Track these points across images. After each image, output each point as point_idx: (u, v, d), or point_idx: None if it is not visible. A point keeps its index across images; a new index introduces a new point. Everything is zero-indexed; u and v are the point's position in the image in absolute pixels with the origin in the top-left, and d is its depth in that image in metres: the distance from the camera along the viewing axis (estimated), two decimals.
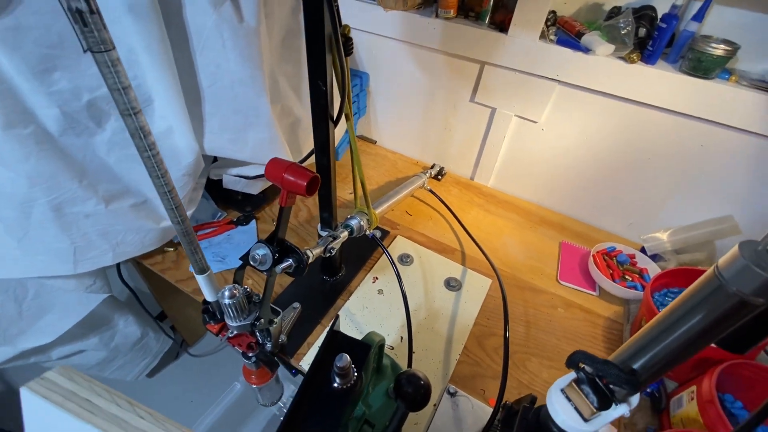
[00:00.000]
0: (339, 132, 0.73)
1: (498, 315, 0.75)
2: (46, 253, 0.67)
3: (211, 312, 0.56)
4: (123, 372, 1.12)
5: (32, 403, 0.19)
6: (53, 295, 0.81)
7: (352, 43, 0.49)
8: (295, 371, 0.67)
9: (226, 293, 0.50)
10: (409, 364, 0.63)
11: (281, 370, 0.64)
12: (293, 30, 0.81)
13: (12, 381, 1.33)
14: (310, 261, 0.56)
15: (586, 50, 0.76)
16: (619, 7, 0.76)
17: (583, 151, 0.90)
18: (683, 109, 0.74)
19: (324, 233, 0.69)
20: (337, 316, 0.50)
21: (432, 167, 1.08)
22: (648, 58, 0.74)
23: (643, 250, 0.87)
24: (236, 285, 0.52)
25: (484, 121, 0.99)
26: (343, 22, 0.89)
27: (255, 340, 0.58)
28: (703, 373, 0.59)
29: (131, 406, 0.19)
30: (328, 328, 0.49)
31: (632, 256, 0.85)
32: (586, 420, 0.28)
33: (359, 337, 0.67)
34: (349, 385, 0.45)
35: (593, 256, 0.84)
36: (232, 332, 0.56)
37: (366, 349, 0.49)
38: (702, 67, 0.69)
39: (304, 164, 0.85)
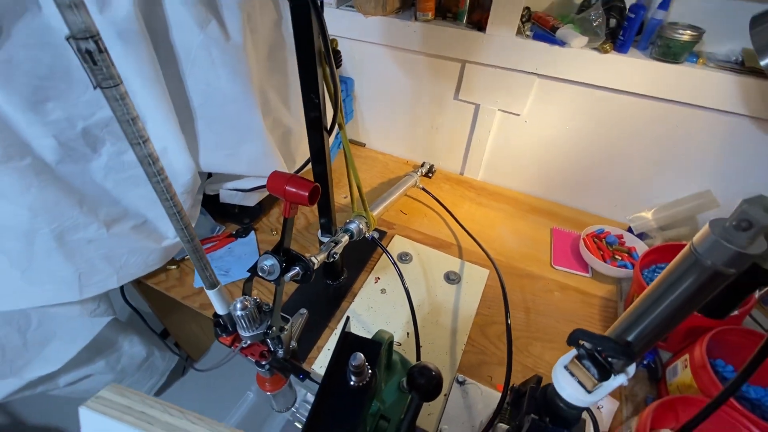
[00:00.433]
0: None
1: (498, 303, 0.78)
2: (51, 281, 0.68)
3: (223, 325, 0.58)
4: None
5: (92, 421, 0.20)
6: (57, 322, 0.82)
7: (341, 56, 0.51)
8: (302, 375, 0.69)
9: (238, 305, 0.52)
10: (418, 358, 0.66)
11: (291, 376, 0.66)
12: (277, 43, 0.83)
13: (16, 412, 1.32)
14: (315, 267, 0.58)
15: (562, 43, 0.79)
16: (590, 0, 0.79)
17: (566, 140, 0.94)
18: (657, 93, 0.78)
19: (325, 239, 0.71)
20: (348, 318, 0.52)
21: (422, 166, 1.10)
22: (620, 47, 0.77)
23: (630, 230, 0.91)
24: (247, 296, 0.53)
25: (469, 117, 1.02)
26: (328, 33, 0.90)
27: (267, 348, 0.60)
28: (694, 342, 0.63)
29: (182, 414, 0.21)
30: (340, 330, 0.51)
31: (620, 237, 0.89)
32: (589, 392, 0.31)
33: (368, 336, 0.70)
34: (364, 382, 0.47)
35: (584, 239, 0.87)
36: (245, 343, 0.57)
37: (377, 347, 0.51)
38: (671, 52, 0.73)
39: (300, 173, 0.88)
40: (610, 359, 0.31)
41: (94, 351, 0.95)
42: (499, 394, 0.64)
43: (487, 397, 0.64)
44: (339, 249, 0.65)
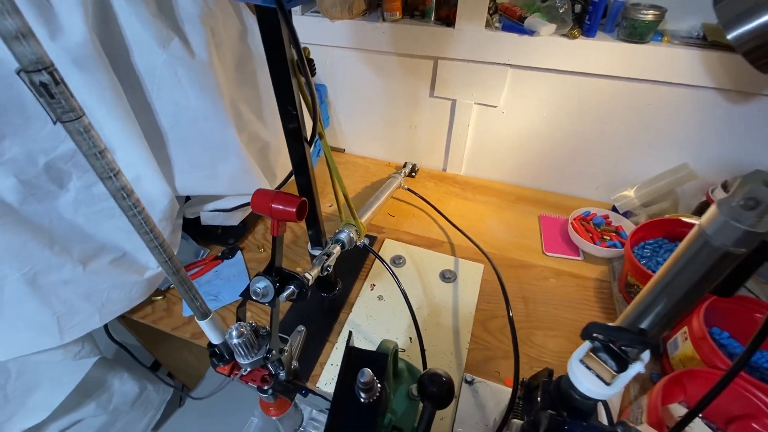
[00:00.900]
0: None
1: (496, 297, 0.78)
2: (27, 329, 0.64)
3: (219, 354, 0.55)
4: None
5: None
6: (39, 370, 0.77)
7: (314, 64, 0.50)
8: (305, 391, 0.67)
9: (234, 333, 0.50)
10: (424, 363, 0.65)
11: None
12: (245, 55, 0.80)
13: None
14: (310, 283, 0.56)
15: (531, 32, 0.80)
16: None
17: (544, 127, 0.95)
18: (627, 73, 0.79)
19: (316, 252, 0.69)
20: (350, 333, 0.50)
21: (404, 166, 1.09)
22: (587, 32, 0.78)
23: (614, 209, 0.93)
24: (241, 323, 0.51)
25: (447, 113, 1.02)
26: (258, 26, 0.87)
27: (268, 372, 0.58)
28: (690, 314, 0.64)
29: None
30: (344, 347, 0.50)
31: (606, 217, 0.90)
32: (608, 384, 0.31)
33: (372, 347, 0.68)
34: (375, 397, 0.45)
35: (571, 223, 0.88)
36: (245, 370, 0.55)
37: (383, 359, 0.50)
38: (637, 33, 0.74)
39: (283, 187, 0.85)
40: (624, 349, 0.30)
41: (83, 394, 0.90)
42: (509, 389, 0.64)
43: (497, 394, 0.63)
44: (332, 261, 0.63)
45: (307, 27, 0.96)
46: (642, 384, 0.64)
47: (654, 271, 0.69)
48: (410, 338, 0.71)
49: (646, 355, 0.31)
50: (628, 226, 0.87)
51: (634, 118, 0.85)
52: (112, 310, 0.70)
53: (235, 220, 0.85)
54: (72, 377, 0.80)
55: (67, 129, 0.30)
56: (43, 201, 0.60)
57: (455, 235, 0.91)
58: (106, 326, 0.80)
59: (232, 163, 0.72)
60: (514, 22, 0.82)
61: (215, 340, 0.54)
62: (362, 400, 0.45)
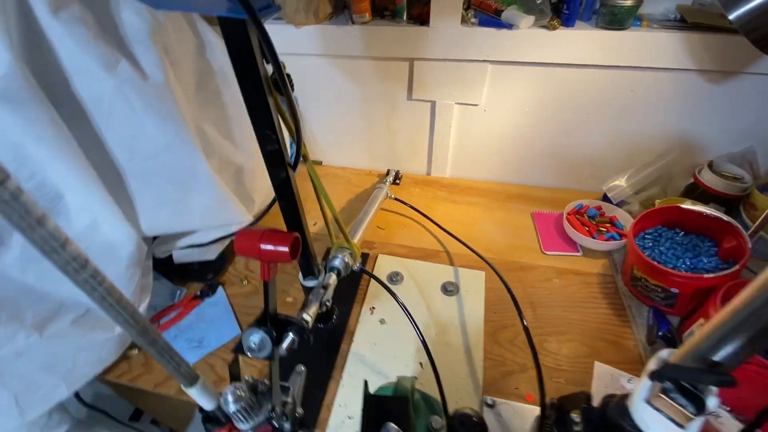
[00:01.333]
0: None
1: (503, 306, 0.74)
2: None
3: (214, 418, 0.48)
4: None
5: None
6: None
7: (292, 79, 0.44)
8: None
9: (230, 398, 0.43)
10: (440, 391, 0.60)
11: None
12: (205, 72, 0.73)
13: None
14: (311, 326, 0.50)
15: (509, 26, 0.76)
16: None
17: (527, 121, 0.92)
18: (608, 61, 0.77)
19: (310, 284, 0.63)
20: (366, 383, 0.45)
21: (387, 174, 1.04)
22: (566, 21, 0.76)
23: (605, 197, 0.91)
24: (237, 384, 0.44)
25: (427, 115, 0.97)
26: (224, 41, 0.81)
27: (272, 427, 0.51)
28: (703, 303, 0.62)
29: None
30: (363, 397, 0.44)
31: (599, 208, 0.89)
32: (683, 427, 0.27)
33: (382, 380, 0.62)
34: None
35: (567, 218, 0.86)
36: None
37: (404, 403, 0.45)
38: (617, 19, 0.72)
39: (267, 214, 0.78)
40: (696, 386, 0.26)
41: None
42: (532, 407, 0.60)
43: (521, 414, 0.59)
44: (330, 294, 0.57)
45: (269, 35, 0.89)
46: None
47: (659, 262, 0.68)
48: (420, 363, 0.66)
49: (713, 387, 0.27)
50: (622, 216, 0.86)
51: (619, 106, 0.84)
52: (81, 376, 0.61)
53: (213, 253, 0.77)
54: None
55: None
56: None
57: (450, 243, 0.87)
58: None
59: (203, 194, 0.65)
60: (490, 17, 0.78)
61: (208, 406, 0.47)
62: None
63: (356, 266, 0.65)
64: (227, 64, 0.76)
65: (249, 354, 0.44)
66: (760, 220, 0.67)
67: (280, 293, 0.79)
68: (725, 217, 0.67)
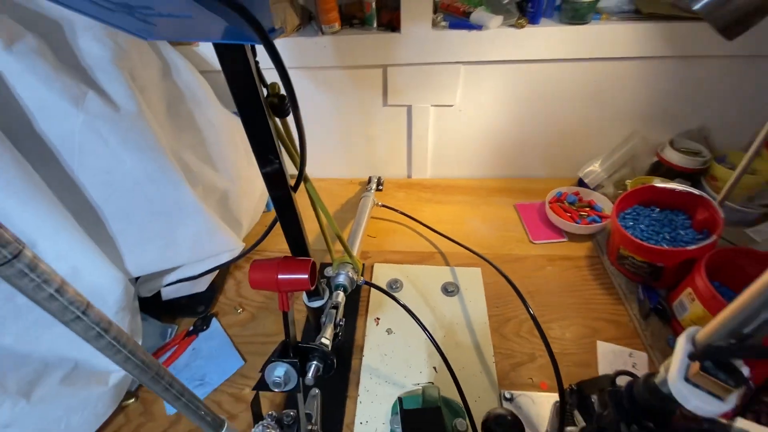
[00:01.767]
0: None
1: (503, 299, 0.76)
2: None
3: None
4: None
5: None
6: None
7: (287, 101, 0.42)
8: None
9: None
10: (460, 392, 0.60)
11: None
12: (174, 95, 0.69)
13: None
14: (330, 349, 0.48)
15: (479, 27, 0.78)
16: None
17: (502, 117, 0.95)
18: (573, 54, 0.81)
19: (315, 304, 0.61)
20: (399, 399, 0.44)
21: (370, 181, 1.04)
22: (532, 19, 0.78)
23: (580, 183, 0.96)
24: (263, 422, 0.42)
25: (403, 120, 0.98)
26: (216, 66, 0.79)
27: None
28: (688, 274, 0.67)
29: None
30: (400, 413, 0.43)
31: (577, 194, 0.93)
32: (723, 399, 0.28)
33: (398, 391, 0.62)
34: None
35: (549, 206, 0.89)
36: None
37: (438, 413, 0.45)
38: (578, 14, 0.76)
39: (264, 240, 0.74)
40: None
41: None
42: (549, 395, 0.62)
43: (539, 403, 0.61)
44: (341, 313, 0.56)
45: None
46: (662, 350, 0.65)
47: (640, 239, 0.72)
48: (434, 368, 0.67)
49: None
50: (599, 198, 0.91)
51: (586, 96, 0.88)
52: None
53: (202, 285, 0.73)
54: None
55: (3, 276, 0.20)
56: None
57: (442, 243, 0.88)
58: None
59: (191, 225, 0.61)
60: (459, 19, 0.79)
61: None
62: None
63: (360, 280, 0.64)
64: (196, 85, 0.73)
65: (275, 389, 0.42)
66: (725, 189, 0.73)
67: (281, 314, 0.77)
68: (696, 191, 0.73)
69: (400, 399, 0.44)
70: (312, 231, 0.53)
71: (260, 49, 0.33)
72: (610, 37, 0.78)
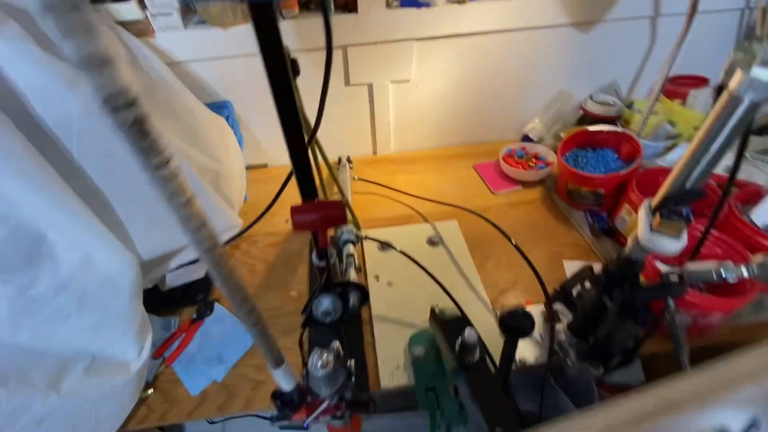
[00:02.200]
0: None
1: (481, 243, 0.86)
2: None
3: (289, 402, 0.50)
4: None
5: None
6: None
7: (298, 64, 0.47)
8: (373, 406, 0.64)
9: (319, 364, 0.46)
10: (462, 313, 0.68)
11: None
12: (146, 83, 0.69)
13: None
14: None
15: (427, 5, 0.87)
16: None
17: (453, 89, 1.05)
18: (510, 25, 0.94)
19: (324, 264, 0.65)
20: (433, 309, 0.51)
21: (339, 161, 1.09)
22: None
23: (525, 138, 1.10)
24: (319, 349, 0.47)
25: (365, 98, 1.04)
26: (177, 58, 0.81)
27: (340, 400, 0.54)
28: (622, 195, 0.82)
29: None
30: (438, 322, 0.50)
31: (524, 148, 1.07)
32: (678, 238, 0.39)
33: (409, 331, 0.69)
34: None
35: (503, 161, 1.02)
36: (329, 403, 0.51)
37: (465, 319, 0.53)
38: None
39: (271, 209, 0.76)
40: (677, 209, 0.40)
41: None
42: (534, 306, 0.73)
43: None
44: (357, 259, 0.61)
45: (193, 42, 0.86)
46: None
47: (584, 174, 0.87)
48: (437, 304, 0.74)
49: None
50: (542, 150, 1.05)
51: (522, 62, 1.02)
52: (109, 428, 0.55)
53: (200, 271, 0.74)
54: None
55: (157, 179, 0.24)
56: None
57: (419, 206, 0.97)
58: None
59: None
60: None
61: (288, 386, 0.48)
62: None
63: (363, 234, 0.70)
64: (167, 73, 0.73)
65: (326, 320, 0.47)
66: (642, 125, 0.90)
67: (282, 289, 0.80)
68: (619, 129, 0.89)
69: (432, 308, 0.50)
70: None
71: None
72: (534, 9, 0.92)
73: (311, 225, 0.44)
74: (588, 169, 0.90)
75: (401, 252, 0.70)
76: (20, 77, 0.45)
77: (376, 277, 0.80)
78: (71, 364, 0.52)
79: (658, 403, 0.22)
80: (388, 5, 0.88)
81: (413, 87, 1.03)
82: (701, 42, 0.96)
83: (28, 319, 0.49)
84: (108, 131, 0.50)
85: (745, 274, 0.42)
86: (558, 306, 0.67)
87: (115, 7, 0.75)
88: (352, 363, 0.55)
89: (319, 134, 1.09)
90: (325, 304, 0.46)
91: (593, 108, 1.05)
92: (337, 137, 1.12)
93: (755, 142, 0.87)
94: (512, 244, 0.74)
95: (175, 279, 0.69)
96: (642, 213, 0.43)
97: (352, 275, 0.55)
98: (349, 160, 1.11)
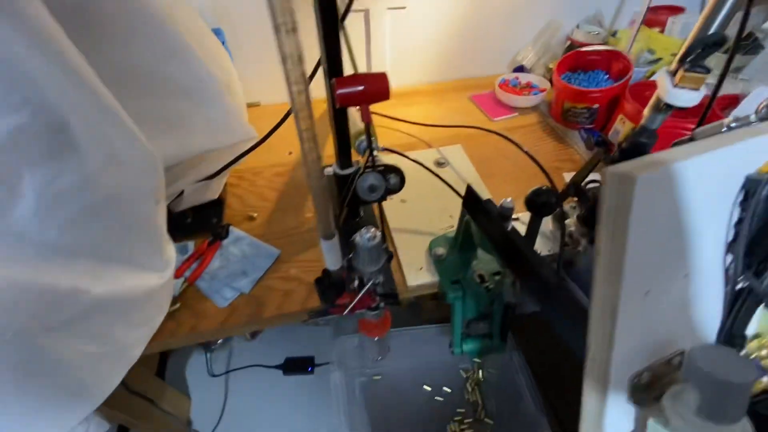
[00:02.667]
0: None
1: (485, 163, 0.89)
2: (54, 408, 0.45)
3: (335, 283, 0.52)
4: None
5: None
6: None
7: None
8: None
9: (367, 236, 0.47)
10: None
11: None
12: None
13: None
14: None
15: None
16: None
17: (447, 19, 1.05)
18: None
19: (348, 171, 0.65)
20: (469, 186, 0.52)
21: None
22: None
23: (517, 69, 1.13)
24: (368, 227, 0.48)
25: (361, 27, 1.02)
26: None
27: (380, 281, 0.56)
28: (600, 108, 0.87)
29: None
30: (473, 202, 0.52)
31: (517, 78, 1.10)
32: (699, 90, 0.43)
33: (428, 238, 0.71)
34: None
35: (499, 89, 1.04)
36: (372, 282, 0.53)
37: (488, 200, 0.56)
38: None
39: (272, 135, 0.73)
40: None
41: None
42: None
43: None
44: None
45: None
46: None
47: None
48: (450, 216, 0.77)
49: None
50: (535, 78, 1.08)
51: None
52: (141, 339, 0.54)
53: (215, 191, 0.72)
54: None
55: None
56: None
57: (422, 133, 0.98)
58: None
59: (212, 106, 0.60)
60: None
61: (334, 264, 0.50)
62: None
63: (381, 147, 0.70)
64: None
65: (370, 197, 0.48)
66: (630, 46, 0.95)
67: (297, 210, 0.79)
68: (610, 47, 0.93)
69: (468, 186, 0.52)
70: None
71: None
72: None
73: (356, 98, 0.44)
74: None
75: (413, 160, 0.72)
76: None
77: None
78: (100, 269, 0.51)
79: None
80: None
81: (408, 15, 1.02)
82: None
83: (56, 215, 0.46)
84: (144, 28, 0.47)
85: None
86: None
87: None
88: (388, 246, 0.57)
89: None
90: (369, 181, 0.47)
91: (580, 37, 1.08)
92: None
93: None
94: (523, 150, 0.78)
95: (191, 198, 0.67)
96: (662, 75, 0.47)
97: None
98: None
